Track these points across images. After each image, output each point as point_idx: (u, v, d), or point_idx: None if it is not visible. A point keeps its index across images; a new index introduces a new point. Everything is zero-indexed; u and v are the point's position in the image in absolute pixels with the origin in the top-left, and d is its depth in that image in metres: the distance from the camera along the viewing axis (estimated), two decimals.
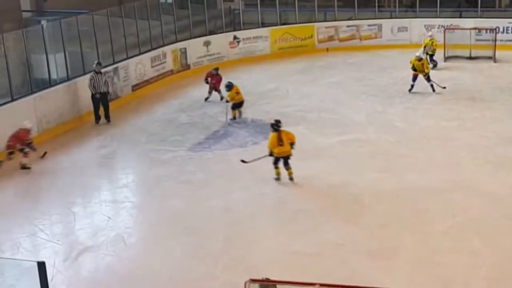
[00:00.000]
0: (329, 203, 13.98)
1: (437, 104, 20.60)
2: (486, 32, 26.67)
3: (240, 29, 27.82)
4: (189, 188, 15.14)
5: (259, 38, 27.70)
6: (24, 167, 16.42)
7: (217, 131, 18.80)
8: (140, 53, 23.05)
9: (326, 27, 28.79)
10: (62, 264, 11.99)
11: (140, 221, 13.90)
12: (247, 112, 20.33)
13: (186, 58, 25.38)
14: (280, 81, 23.65)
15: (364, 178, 15.08)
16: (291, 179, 14.96)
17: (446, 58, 25.51)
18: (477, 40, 26.63)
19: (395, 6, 29.88)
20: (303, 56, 27.06)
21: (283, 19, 28.90)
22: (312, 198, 14.28)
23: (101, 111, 20.00)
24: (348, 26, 28.89)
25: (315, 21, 28.86)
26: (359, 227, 12.86)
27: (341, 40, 28.79)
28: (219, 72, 21.74)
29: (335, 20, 29.07)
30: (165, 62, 24.23)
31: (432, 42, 24.83)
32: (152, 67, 23.46)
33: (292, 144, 14.95)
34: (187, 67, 25.49)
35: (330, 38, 28.72)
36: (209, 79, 21.65)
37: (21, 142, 16.42)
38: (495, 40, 25.91)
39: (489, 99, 20.81)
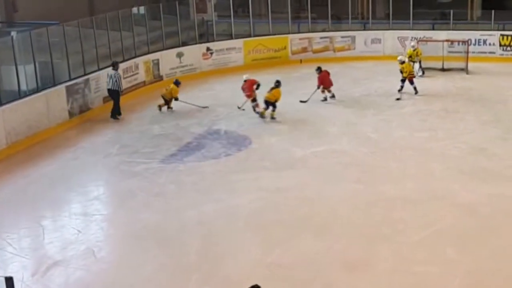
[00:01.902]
0: (303, 214, 13.83)
1: (410, 115, 20.65)
2: (459, 44, 26.92)
3: (213, 41, 27.73)
4: (161, 200, 14.93)
5: (232, 50, 27.64)
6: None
7: (190, 143, 18.63)
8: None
9: (300, 39, 28.86)
10: (30, 279, 11.68)
11: (111, 234, 13.65)
12: (221, 123, 20.23)
13: (158, 70, 25.18)
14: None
15: (339, 189, 15.02)
16: (271, 117, 20.21)
17: (420, 67, 25.56)
18: (449, 52, 26.86)
19: (368, 18, 30.05)
20: (276, 67, 26.95)
21: (256, 31, 28.83)
22: (286, 209, 14.12)
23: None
24: (321, 38, 29.01)
25: (288, 33, 28.88)
26: (334, 238, 12.75)
27: (314, 51, 28.84)
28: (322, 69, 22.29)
29: (308, 32, 29.15)
30: (137, 73, 24.01)
31: (417, 52, 25.05)
32: (124, 78, 23.12)
33: (275, 100, 20.14)
34: (160, 78, 25.27)
35: (304, 50, 28.78)
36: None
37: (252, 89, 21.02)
38: (467, 52, 26.13)
39: (461, 110, 20.91)
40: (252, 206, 14.34)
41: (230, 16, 28.08)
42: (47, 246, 12.99)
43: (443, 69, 26.00)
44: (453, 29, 28.14)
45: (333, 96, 22.18)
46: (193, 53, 26.65)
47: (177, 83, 21.82)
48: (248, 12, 28.64)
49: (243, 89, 21.23)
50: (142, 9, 26.56)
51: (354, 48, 28.96)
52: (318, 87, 22.00)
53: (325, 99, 22.12)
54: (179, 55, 26.10)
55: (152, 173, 16.46)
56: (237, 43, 27.86)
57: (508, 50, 27.42)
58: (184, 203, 14.64)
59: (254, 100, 20.93)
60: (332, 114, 20.95)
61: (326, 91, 22.10)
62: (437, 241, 12.51)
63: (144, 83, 24.41)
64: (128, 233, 13.42)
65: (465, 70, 25.77)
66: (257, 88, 21.03)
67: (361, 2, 31.98)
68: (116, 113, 21.24)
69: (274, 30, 28.80)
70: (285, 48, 28.53)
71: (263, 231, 13.19)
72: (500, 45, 27.62)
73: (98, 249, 12.72)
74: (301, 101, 21.92)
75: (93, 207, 14.77)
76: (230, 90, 24.14)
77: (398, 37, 28.35)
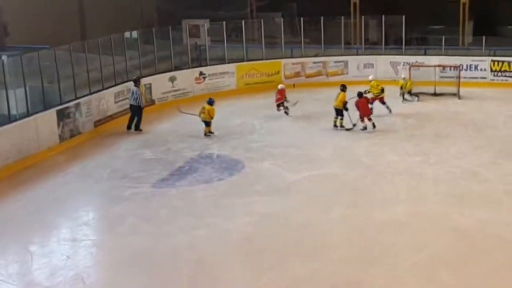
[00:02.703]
0: (295, 238, 13.73)
1: (402, 139, 20.62)
2: (450, 69, 27.00)
3: (206, 65, 27.71)
4: (152, 225, 14.79)
5: (225, 74, 27.63)
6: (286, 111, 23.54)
7: (182, 167, 18.53)
8: (104, 89, 22.73)
9: (293, 63, 28.93)
10: None
11: (100, 260, 13.49)
12: (213, 147, 20.16)
13: (150, 94, 25.09)
14: (247, 117, 23.55)
15: (331, 213, 14.96)
16: (340, 125, 21.50)
17: (412, 95, 25.60)
18: (441, 77, 26.97)
19: (361, 43, 30.15)
20: (269, 92, 26.85)
21: (249, 55, 28.87)
22: (278, 233, 14.03)
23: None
24: (314, 63, 29.08)
25: (281, 57, 28.90)
26: (326, 262, 12.68)
27: (307, 76, 28.91)
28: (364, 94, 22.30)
29: (301, 57, 29.18)
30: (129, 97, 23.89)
31: (407, 83, 25.17)
32: (115, 102, 23.12)
33: (344, 103, 21.27)
34: (152, 102, 25.19)
35: (297, 74, 28.82)
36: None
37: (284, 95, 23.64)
38: (459, 77, 26.16)
39: (453, 135, 20.93)
40: (244, 231, 14.25)
41: (223, 40, 28.08)
42: (35, 272, 12.81)
43: (435, 94, 26.06)
44: (445, 55, 28.24)
45: (364, 128, 21.52)
46: (186, 77, 26.61)
47: (211, 102, 21.60)
48: (241, 36, 28.67)
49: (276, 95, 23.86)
50: (134, 34, 26.56)
51: (347, 73, 29.01)
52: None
53: (365, 128, 21.45)
54: (172, 79, 26.05)
55: (143, 198, 16.35)
56: (230, 67, 27.86)
57: (499, 76, 27.52)
58: (176, 227, 14.53)
59: (282, 104, 23.54)
60: (324, 138, 20.93)
61: (365, 119, 21.45)
62: (429, 265, 12.44)
63: None
64: (118, 258, 13.28)
65: (457, 95, 25.82)
66: (285, 99, 23.64)
67: (353, 27, 32.12)
68: (138, 126, 22.21)
69: (267, 54, 28.83)
70: (278, 72, 28.54)
71: (255, 255, 13.10)
72: (491, 70, 27.70)
73: (87, 275, 12.54)
74: (347, 129, 21.56)
75: (82, 232, 14.63)
76: (223, 114, 24.08)
77: (390, 62, 28.43)
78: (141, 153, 19.92)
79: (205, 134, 21.24)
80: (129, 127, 22.22)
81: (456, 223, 14.22)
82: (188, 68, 27.27)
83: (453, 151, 19.28)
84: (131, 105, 22.40)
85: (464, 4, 31.61)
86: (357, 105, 21.47)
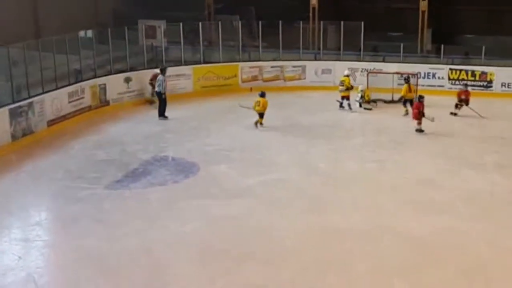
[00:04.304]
0: (251, 244, 13.57)
1: (360, 146, 20.67)
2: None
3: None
4: (105, 227, 14.49)
5: (181, 76, 27.29)
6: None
7: (136, 169, 18.22)
8: (57, 88, 22.26)
9: (250, 67, 28.75)
10: None
11: (53, 261, 13.17)
12: (168, 150, 19.90)
13: (105, 94, 24.66)
14: (203, 120, 23.31)
15: (287, 219, 14.81)
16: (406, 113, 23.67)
17: (369, 101, 25.66)
18: (399, 84, 26.87)
19: (319, 48, 30.14)
20: (226, 95, 26.78)
21: (206, 58, 28.62)
22: (234, 238, 13.86)
23: None
24: (272, 67, 28.98)
25: (239, 61, 28.73)
26: (282, 268, 12.52)
27: (265, 80, 28.75)
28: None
29: (259, 60, 29.05)
30: (83, 97, 23.46)
31: (365, 93, 25.28)
32: (69, 102, 22.67)
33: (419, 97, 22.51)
34: (106, 103, 24.76)
35: (254, 78, 28.66)
36: None
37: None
38: (417, 85, 26.28)
39: (410, 142, 21.00)
40: (198, 234, 14.05)
41: (180, 42, 27.78)
42: None
43: (392, 101, 26.10)
44: (403, 62, 28.38)
45: (417, 130, 21.85)
46: (142, 78, 26.20)
47: (263, 95, 22.47)
48: (199, 38, 28.40)
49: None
50: (89, 33, 26.12)
51: (305, 78, 29.00)
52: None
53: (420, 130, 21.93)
54: (127, 80, 25.66)
55: (97, 199, 16.03)
56: (187, 69, 27.58)
57: (457, 84, 27.71)
58: (129, 230, 14.23)
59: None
60: (282, 143, 20.81)
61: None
62: (384, 272, 12.37)
63: (89, 108, 23.88)
64: (70, 260, 12.98)
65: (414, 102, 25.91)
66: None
67: (312, 32, 32.14)
68: (163, 113, 23.51)
69: (225, 57, 28.62)
70: (235, 76, 28.36)
71: (209, 259, 12.89)
72: (449, 79, 27.96)
73: (39, 276, 12.27)
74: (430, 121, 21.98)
75: (35, 232, 14.25)
76: (178, 117, 23.87)
77: (348, 68, 28.41)
78: (95, 154, 19.56)
79: (256, 124, 22.19)
80: (160, 114, 23.58)
81: (412, 230, 14.15)
82: (144, 69, 26.89)
83: (409, 158, 19.34)
84: (156, 92, 23.87)
85: (423, 12, 31.80)
86: (412, 106, 22.61)
